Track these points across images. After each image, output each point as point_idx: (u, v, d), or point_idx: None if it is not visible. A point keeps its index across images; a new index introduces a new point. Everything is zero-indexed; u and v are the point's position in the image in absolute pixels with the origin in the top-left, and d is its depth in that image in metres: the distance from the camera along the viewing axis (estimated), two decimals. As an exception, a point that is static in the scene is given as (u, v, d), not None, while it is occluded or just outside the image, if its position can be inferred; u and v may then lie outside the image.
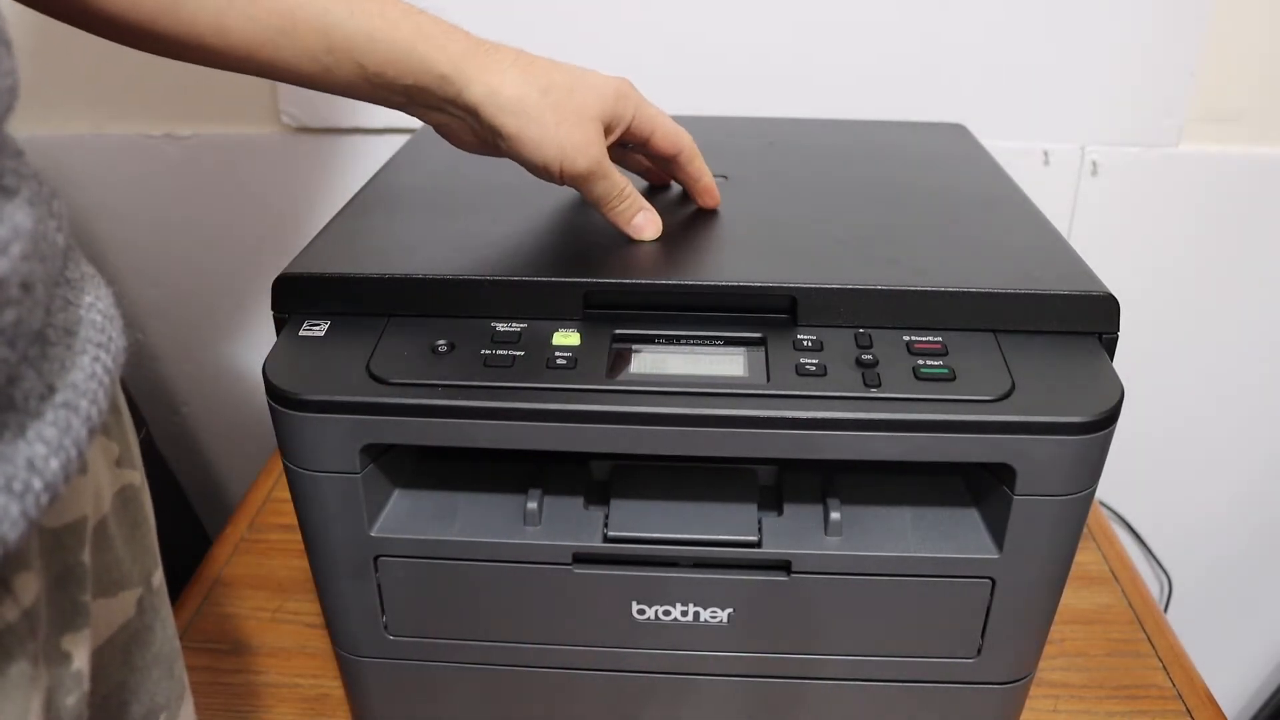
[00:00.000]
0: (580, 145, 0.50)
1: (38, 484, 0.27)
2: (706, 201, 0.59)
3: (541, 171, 0.51)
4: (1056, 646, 0.69)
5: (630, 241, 0.54)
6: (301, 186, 0.98)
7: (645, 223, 0.55)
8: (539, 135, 0.49)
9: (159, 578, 0.42)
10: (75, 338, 0.31)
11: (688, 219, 0.58)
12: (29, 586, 0.31)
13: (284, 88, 0.92)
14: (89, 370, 0.31)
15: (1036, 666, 0.55)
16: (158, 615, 0.42)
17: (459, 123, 0.51)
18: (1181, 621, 1.05)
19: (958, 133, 0.77)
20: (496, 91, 0.48)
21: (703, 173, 0.58)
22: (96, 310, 0.33)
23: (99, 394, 0.30)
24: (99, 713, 0.38)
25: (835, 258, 0.53)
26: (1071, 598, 0.73)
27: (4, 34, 0.28)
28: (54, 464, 0.27)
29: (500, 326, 0.49)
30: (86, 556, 0.35)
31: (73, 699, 0.33)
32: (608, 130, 0.52)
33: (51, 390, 0.29)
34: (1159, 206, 0.94)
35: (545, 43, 0.88)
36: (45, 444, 0.28)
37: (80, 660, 0.34)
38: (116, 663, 0.39)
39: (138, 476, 0.41)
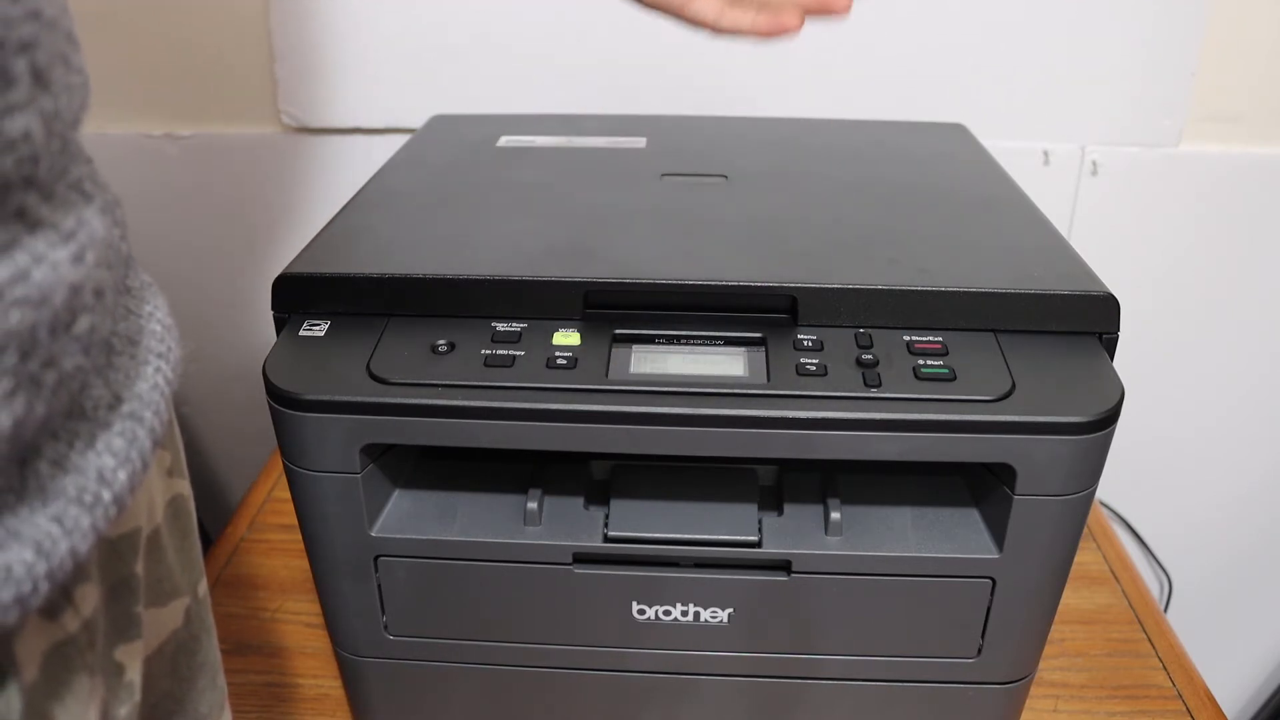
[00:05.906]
0: None
1: (107, 496, 0.26)
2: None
3: None
4: (1056, 646, 0.69)
5: (630, 241, 0.54)
6: (301, 186, 0.98)
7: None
8: None
9: (204, 587, 0.42)
10: (138, 347, 0.31)
11: (687, 217, 0.58)
12: (88, 597, 0.30)
13: (284, 88, 0.92)
14: (152, 380, 0.30)
15: (1037, 666, 0.55)
16: (204, 625, 0.41)
17: None
18: (1181, 621, 1.06)
19: (958, 133, 0.77)
20: None
21: None
22: (156, 320, 0.33)
23: (160, 405, 0.30)
24: None
25: (835, 258, 0.53)
26: (1071, 598, 0.73)
27: (73, 34, 0.27)
28: (122, 476, 0.27)
29: (500, 326, 0.49)
30: (140, 567, 0.34)
31: (125, 710, 0.33)
32: None
33: (118, 400, 0.29)
34: (1159, 206, 0.94)
35: (543, 39, 0.89)
36: (113, 455, 0.27)
37: (133, 671, 0.34)
38: (164, 672, 0.39)
39: (186, 486, 0.41)
